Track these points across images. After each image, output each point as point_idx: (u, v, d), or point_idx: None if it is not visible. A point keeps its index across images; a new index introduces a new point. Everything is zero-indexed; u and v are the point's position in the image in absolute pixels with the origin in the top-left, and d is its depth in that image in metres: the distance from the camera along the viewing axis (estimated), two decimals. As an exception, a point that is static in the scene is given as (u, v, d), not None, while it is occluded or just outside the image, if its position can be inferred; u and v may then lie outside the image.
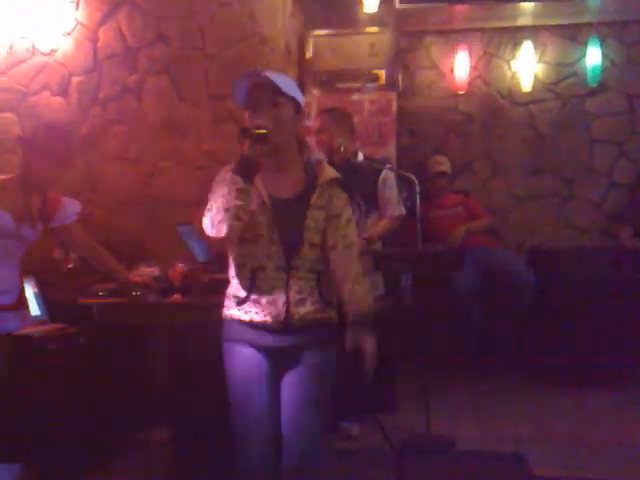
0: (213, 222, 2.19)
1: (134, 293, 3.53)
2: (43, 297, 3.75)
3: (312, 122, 4.64)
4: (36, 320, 3.64)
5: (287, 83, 2.28)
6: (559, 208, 5.84)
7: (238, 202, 2.15)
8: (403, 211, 4.14)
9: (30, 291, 3.74)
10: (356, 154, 4.06)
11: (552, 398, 4.71)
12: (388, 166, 4.18)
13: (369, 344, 2.30)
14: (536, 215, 5.85)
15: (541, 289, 5.03)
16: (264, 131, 2.16)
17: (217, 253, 2.65)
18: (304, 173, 2.36)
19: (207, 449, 3.38)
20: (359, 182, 3.81)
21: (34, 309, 3.71)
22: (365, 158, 4.12)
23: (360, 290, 2.33)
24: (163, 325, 3.87)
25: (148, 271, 3.98)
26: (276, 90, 2.22)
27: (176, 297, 3.73)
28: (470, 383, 5.06)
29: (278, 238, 2.26)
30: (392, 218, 4.06)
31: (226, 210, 2.16)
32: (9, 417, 2.91)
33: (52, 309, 3.72)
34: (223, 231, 2.18)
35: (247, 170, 2.16)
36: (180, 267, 3.86)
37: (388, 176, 4.05)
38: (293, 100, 2.28)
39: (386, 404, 4.32)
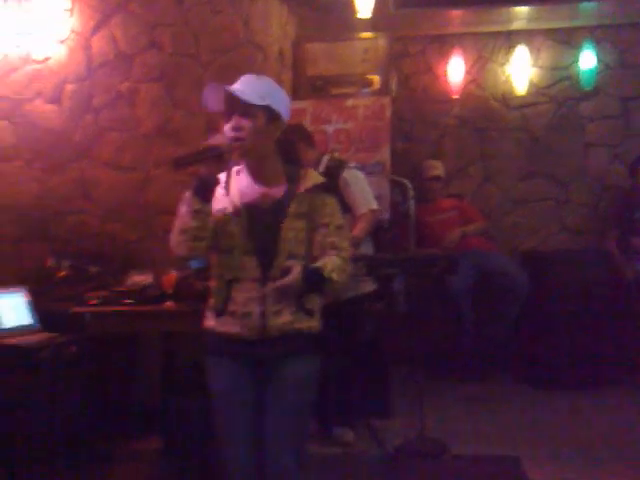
0: (173, 242, 2.22)
1: None
2: (35, 306, 3.77)
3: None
4: (28, 329, 3.66)
5: (260, 91, 2.22)
6: (553, 211, 5.85)
7: (194, 224, 2.15)
8: (374, 205, 4.06)
9: (22, 300, 3.76)
10: (318, 162, 4.02)
11: (547, 401, 4.73)
12: (351, 165, 4.14)
13: (295, 271, 2.16)
14: (530, 218, 5.85)
15: (535, 292, 5.03)
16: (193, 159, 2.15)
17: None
18: (285, 181, 2.31)
19: (199, 458, 3.39)
20: None
21: (26, 318, 3.73)
22: (329, 161, 4.06)
23: (332, 261, 2.24)
24: (156, 332, 3.88)
25: (141, 278, 4.00)
26: (244, 100, 2.19)
27: (169, 304, 3.74)
28: (464, 387, 5.06)
29: (253, 249, 2.22)
30: (365, 215, 3.99)
31: (183, 231, 2.17)
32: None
33: (44, 318, 3.74)
34: (182, 251, 2.21)
35: (204, 190, 2.15)
36: (173, 274, 3.87)
37: (349, 175, 4.01)
38: (267, 108, 2.24)
39: (380, 409, 4.33)
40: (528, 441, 3.99)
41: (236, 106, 2.20)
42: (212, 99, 2.26)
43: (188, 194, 2.16)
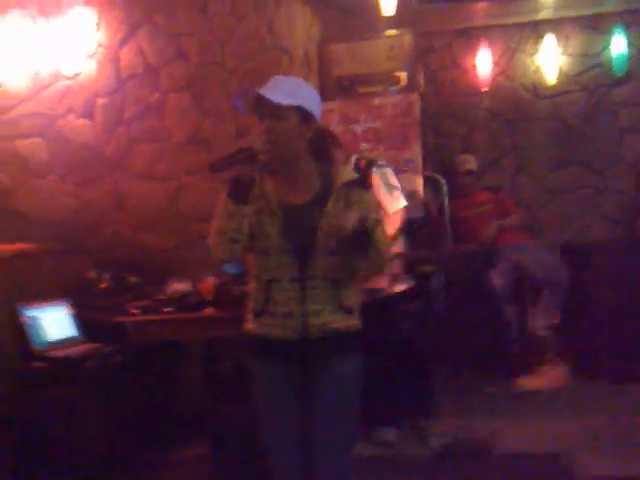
0: (211, 245, 2.22)
1: None
2: (78, 318, 3.81)
3: (336, 129, 4.65)
4: (73, 341, 3.70)
5: (290, 91, 2.21)
6: (590, 200, 5.76)
7: (230, 226, 2.16)
8: (402, 203, 4.01)
9: (65, 312, 3.81)
10: (346, 162, 4.00)
11: (594, 396, 4.61)
12: (380, 163, 4.10)
13: (352, 218, 2.10)
14: (567, 208, 5.77)
15: (577, 284, 4.95)
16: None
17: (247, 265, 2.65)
18: (319, 179, 2.30)
19: (245, 463, 3.39)
20: None
21: (70, 330, 3.78)
22: (356, 160, 4.01)
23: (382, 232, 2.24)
24: (197, 339, 3.89)
25: (180, 286, 4.02)
26: (275, 102, 2.18)
27: (209, 310, 3.75)
28: (508, 384, 4.99)
29: (290, 248, 2.22)
30: (396, 213, 3.97)
31: (221, 233, 2.18)
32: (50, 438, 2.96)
33: (87, 329, 3.78)
34: (220, 254, 2.22)
35: (238, 192, 2.16)
36: (210, 280, 3.88)
37: (379, 173, 3.98)
38: (298, 108, 2.22)
39: (423, 409, 4.29)
40: (577, 438, 3.90)
41: (267, 108, 2.19)
42: (242, 103, 2.27)
43: (224, 196, 2.17)
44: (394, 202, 3.99)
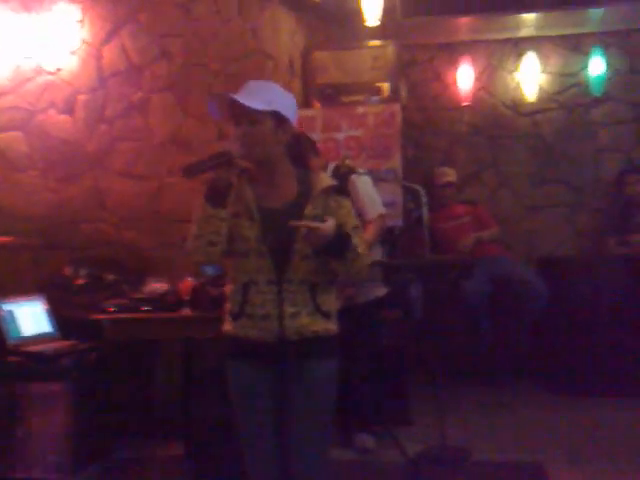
0: (189, 248, 2.23)
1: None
2: (54, 314, 3.75)
3: (316, 136, 4.66)
4: (48, 337, 3.64)
5: (265, 96, 2.22)
6: (568, 217, 5.83)
7: (208, 229, 2.16)
8: (381, 210, 4.04)
9: (41, 308, 3.74)
10: (324, 170, 4.01)
11: (568, 408, 4.67)
12: (361, 171, 4.12)
13: (331, 222, 2.15)
14: (544, 224, 5.83)
15: (553, 298, 4.99)
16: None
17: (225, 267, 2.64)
18: (297, 184, 2.30)
19: (221, 462, 3.35)
20: None
21: (45, 326, 3.72)
22: (334, 168, 4.04)
23: (360, 238, 2.26)
24: (174, 339, 3.86)
25: (157, 286, 3.98)
26: (250, 107, 2.17)
27: (186, 311, 3.72)
28: (484, 393, 5.01)
29: (267, 251, 2.21)
30: (374, 220, 3.98)
31: (199, 237, 2.18)
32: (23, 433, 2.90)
33: (63, 325, 3.72)
34: (199, 257, 2.23)
35: (215, 196, 2.16)
36: (189, 281, 3.86)
37: (357, 180, 3.99)
38: (273, 113, 2.21)
39: (400, 416, 4.29)
40: (549, 447, 3.93)
41: (242, 113, 2.19)
42: (217, 107, 2.26)
43: (201, 200, 2.17)
44: (372, 209, 4.00)
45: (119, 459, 3.59)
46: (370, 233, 3.93)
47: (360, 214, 3.91)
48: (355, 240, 2.20)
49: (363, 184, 4.04)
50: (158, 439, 3.94)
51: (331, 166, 4.07)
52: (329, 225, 2.13)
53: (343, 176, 3.95)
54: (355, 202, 3.89)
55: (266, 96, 2.21)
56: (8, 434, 3.26)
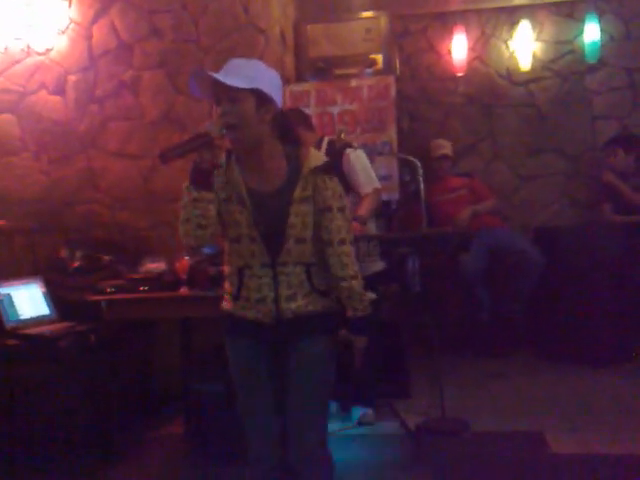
0: (180, 232, 2.19)
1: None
2: (51, 296, 3.75)
3: (310, 111, 4.63)
4: (46, 319, 3.64)
5: (247, 74, 2.15)
6: (564, 186, 5.81)
7: (194, 213, 2.12)
8: (377, 184, 4.03)
9: (38, 290, 3.75)
10: (319, 145, 3.99)
11: (566, 376, 4.69)
12: (354, 145, 4.11)
13: (360, 341, 2.31)
14: (540, 194, 5.81)
15: (549, 267, 4.99)
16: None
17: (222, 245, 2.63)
18: (287, 163, 2.25)
19: (221, 440, 3.37)
20: None
21: (43, 308, 3.72)
22: (329, 143, 4.03)
23: (358, 286, 2.26)
24: (172, 318, 3.86)
25: (154, 266, 3.98)
26: (230, 85, 2.12)
27: (183, 290, 3.72)
28: (482, 364, 5.04)
29: (259, 236, 2.20)
30: (370, 194, 3.97)
31: (186, 221, 2.14)
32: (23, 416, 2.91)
33: (61, 307, 3.72)
34: (189, 241, 2.19)
35: (199, 179, 2.10)
36: (186, 260, 3.85)
37: (352, 155, 3.97)
38: (255, 91, 2.14)
39: (400, 389, 4.31)
40: (549, 415, 3.96)
41: (223, 92, 2.13)
42: (197, 86, 2.19)
43: (185, 185, 2.13)
44: (368, 184, 3.99)
45: (120, 440, 3.61)
46: (366, 207, 3.93)
47: (355, 188, 3.94)
48: (358, 285, 2.26)
49: (358, 158, 4.02)
50: (158, 418, 3.97)
51: (325, 140, 4.05)
52: (361, 342, 2.32)
53: (338, 150, 3.94)
54: (350, 176, 3.93)
55: (248, 73, 2.15)
56: (8, 417, 3.28)
